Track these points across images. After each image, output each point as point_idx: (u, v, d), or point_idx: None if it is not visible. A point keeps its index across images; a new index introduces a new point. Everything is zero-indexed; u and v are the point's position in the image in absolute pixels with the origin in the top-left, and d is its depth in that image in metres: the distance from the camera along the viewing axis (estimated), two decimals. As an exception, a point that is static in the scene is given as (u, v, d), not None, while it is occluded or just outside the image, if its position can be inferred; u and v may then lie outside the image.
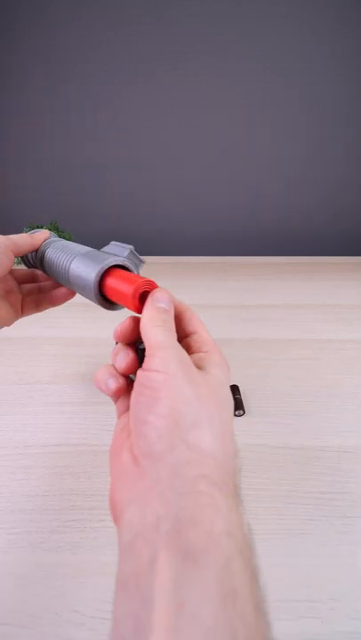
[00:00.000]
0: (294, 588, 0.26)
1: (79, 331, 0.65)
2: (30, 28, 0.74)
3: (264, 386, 0.52)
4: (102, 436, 0.45)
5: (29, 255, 0.42)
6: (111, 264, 0.30)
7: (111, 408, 0.49)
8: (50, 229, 0.76)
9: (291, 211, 0.92)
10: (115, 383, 0.25)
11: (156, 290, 0.26)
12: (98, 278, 0.29)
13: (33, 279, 0.45)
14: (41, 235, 0.41)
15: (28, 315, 0.42)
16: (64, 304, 0.44)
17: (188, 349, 0.25)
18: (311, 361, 0.58)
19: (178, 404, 0.20)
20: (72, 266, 0.33)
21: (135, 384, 0.22)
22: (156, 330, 0.23)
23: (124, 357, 0.26)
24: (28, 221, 0.82)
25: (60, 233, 0.78)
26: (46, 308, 0.43)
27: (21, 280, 0.43)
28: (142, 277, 0.27)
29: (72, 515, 0.37)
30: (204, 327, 0.26)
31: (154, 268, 0.87)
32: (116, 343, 0.27)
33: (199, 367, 0.23)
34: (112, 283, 0.29)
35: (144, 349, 0.25)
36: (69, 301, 0.44)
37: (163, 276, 0.83)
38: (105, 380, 0.26)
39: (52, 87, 0.80)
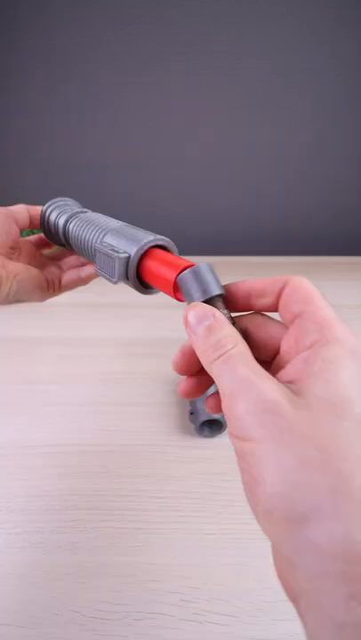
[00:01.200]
0: (294, 588, 0.26)
1: (80, 331, 0.65)
2: (30, 28, 0.74)
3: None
4: (102, 436, 0.45)
5: (52, 231, 0.36)
6: (151, 244, 0.25)
7: (111, 408, 0.49)
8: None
9: (291, 211, 0.92)
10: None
11: (189, 307, 0.18)
12: (137, 258, 0.25)
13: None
14: (37, 209, 0.36)
15: (70, 289, 0.37)
16: (64, 305, 0.43)
17: (291, 349, 0.17)
18: (311, 361, 0.58)
19: (278, 489, 0.13)
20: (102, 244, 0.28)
21: None
22: (216, 368, 0.16)
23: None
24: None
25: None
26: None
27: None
28: (185, 261, 0.21)
29: (72, 515, 0.37)
30: (318, 297, 0.17)
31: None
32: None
33: (299, 386, 0.15)
34: (151, 265, 0.24)
35: None
36: (69, 301, 0.43)
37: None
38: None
39: (52, 87, 0.80)
